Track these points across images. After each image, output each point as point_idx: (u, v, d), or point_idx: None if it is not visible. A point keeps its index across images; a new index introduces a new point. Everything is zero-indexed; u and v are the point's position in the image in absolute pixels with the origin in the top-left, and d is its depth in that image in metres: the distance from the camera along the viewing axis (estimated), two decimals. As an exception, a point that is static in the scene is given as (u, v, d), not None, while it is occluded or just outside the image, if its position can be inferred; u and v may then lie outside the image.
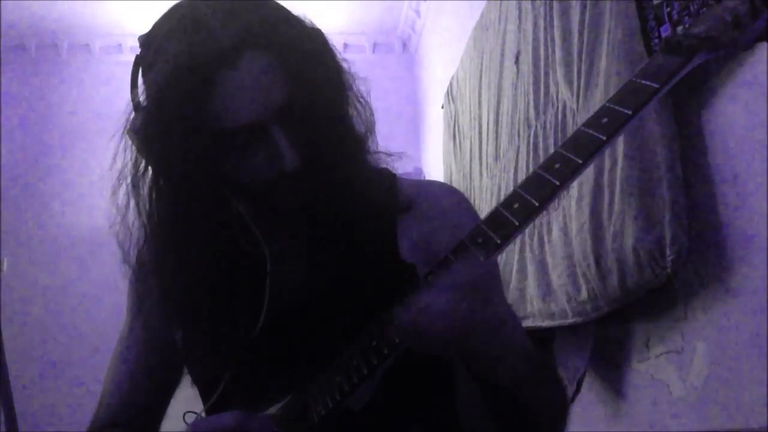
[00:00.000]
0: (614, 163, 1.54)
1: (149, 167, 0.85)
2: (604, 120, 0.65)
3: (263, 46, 0.77)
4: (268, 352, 0.85)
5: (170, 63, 0.77)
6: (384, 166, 0.94)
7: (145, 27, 0.86)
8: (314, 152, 0.81)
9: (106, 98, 4.04)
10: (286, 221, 0.88)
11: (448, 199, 0.95)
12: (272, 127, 0.78)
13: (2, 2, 3.56)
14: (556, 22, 1.95)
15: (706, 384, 1.42)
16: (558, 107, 1.95)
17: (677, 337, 1.51)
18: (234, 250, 0.87)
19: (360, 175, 0.88)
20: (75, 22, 4.03)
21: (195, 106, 0.76)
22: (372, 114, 0.89)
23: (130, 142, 0.84)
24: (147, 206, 0.86)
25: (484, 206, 2.54)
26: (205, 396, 0.93)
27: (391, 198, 0.91)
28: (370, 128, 0.89)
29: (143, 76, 0.84)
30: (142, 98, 0.83)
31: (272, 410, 0.80)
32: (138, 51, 0.87)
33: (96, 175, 3.92)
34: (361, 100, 0.89)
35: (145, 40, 0.84)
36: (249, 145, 0.79)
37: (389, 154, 0.93)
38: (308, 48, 0.82)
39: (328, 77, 0.83)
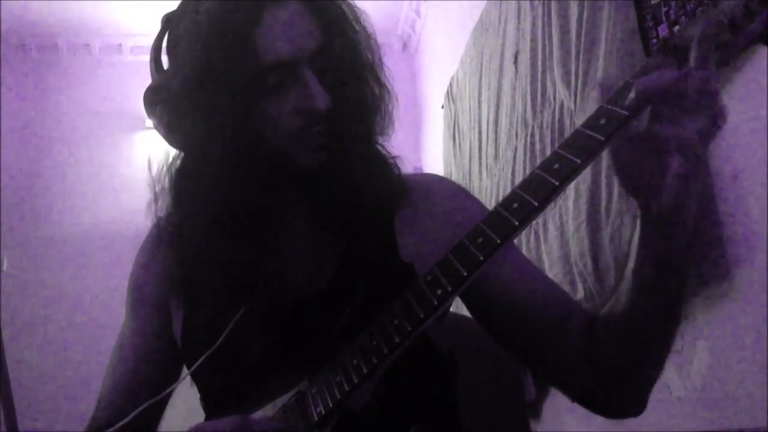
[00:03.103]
0: (613, 163, 1.54)
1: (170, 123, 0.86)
2: (602, 121, 0.65)
3: None
4: (267, 343, 0.85)
5: (218, 4, 0.81)
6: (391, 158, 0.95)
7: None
8: (339, 102, 0.84)
9: (106, 98, 4.04)
10: (298, 191, 0.88)
11: (444, 191, 0.96)
12: (304, 70, 0.82)
13: (2, 2, 3.56)
14: (554, 22, 1.95)
15: (706, 384, 1.42)
16: (555, 107, 1.95)
17: (677, 337, 1.51)
18: (252, 222, 0.86)
19: (374, 148, 0.91)
20: (75, 22, 4.03)
21: (242, 38, 0.79)
22: (388, 94, 0.93)
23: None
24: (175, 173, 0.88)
25: (484, 206, 2.54)
26: (203, 394, 0.93)
27: (393, 186, 0.91)
28: (388, 104, 0.93)
29: (169, 41, 0.88)
30: (166, 61, 0.87)
31: (272, 409, 0.80)
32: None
33: (96, 175, 3.94)
34: (384, 74, 0.92)
35: (177, 9, 0.88)
36: (279, 88, 0.82)
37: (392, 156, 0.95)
38: (343, 10, 0.88)
39: (359, 39, 0.88)
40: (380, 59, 0.91)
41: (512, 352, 0.90)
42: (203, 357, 0.85)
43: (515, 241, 2.14)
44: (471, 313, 0.91)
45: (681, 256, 0.72)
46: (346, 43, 0.86)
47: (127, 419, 0.85)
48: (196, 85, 0.81)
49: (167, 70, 0.88)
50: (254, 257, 0.86)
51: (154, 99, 0.87)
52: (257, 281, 0.86)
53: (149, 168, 0.90)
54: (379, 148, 0.94)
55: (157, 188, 0.90)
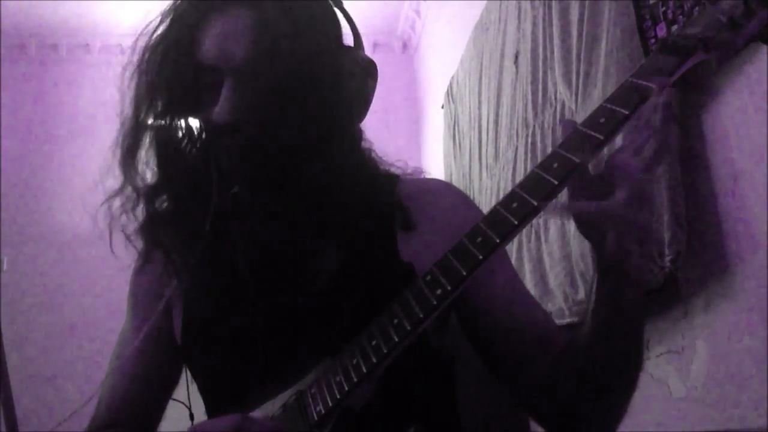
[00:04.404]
0: (613, 162, 1.54)
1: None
2: (602, 120, 0.65)
3: (253, 2, 0.84)
4: (267, 342, 0.85)
5: (172, 6, 0.88)
6: (385, 167, 0.94)
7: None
8: (261, 116, 0.82)
9: (105, 98, 4.03)
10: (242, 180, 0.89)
11: (446, 195, 0.96)
12: (226, 80, 0.83)
13: (2, 2, 3.56)
14: (554, 22, 1.95)
15: (706, 384, 1.42)
16: (556, 107, 1.95)
17: (677, 337, 1.51)
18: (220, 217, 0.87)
19: (338, 160, 0.87)
20: (75, 22, 4.03)
21: (183, 38, 0.85)
22: (335, 105, 0.87)
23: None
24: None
25: (484, 206, 2.54)
26: (204, 392, 0.93)
27: (386, 196, 0.91)
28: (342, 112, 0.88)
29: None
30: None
31: (272, 408, 0.80)
32: (134, 51, 0.93)
33: (96, 175, 3.93)
34: (340, 86, 0.86)
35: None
36: (209, 90, 0.84)
37: (390, 165, 0.94)
38: (298, 17, 0.85)
39: (310, 48, 0.84)
40: (335, 69, 0.86)
41: (489, 368, 0.90)
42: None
43: (516, 241, 2.15)
44: (458, 320, 0.91)
45: (633, 302, 0.71)
46: (291, 54, 0.82)
47: None
48: (150, 78, 0.87)
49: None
50: (248, 256, 0.86)
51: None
52: (255, 280, 0.86)
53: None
54: (355, 158, 0.91)
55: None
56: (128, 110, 0.89)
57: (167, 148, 0.89)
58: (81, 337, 3.60)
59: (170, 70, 0.85)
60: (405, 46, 4.40)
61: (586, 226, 0.69)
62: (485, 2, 2.72)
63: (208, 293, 0.90)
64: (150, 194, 0.90)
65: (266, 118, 0.83)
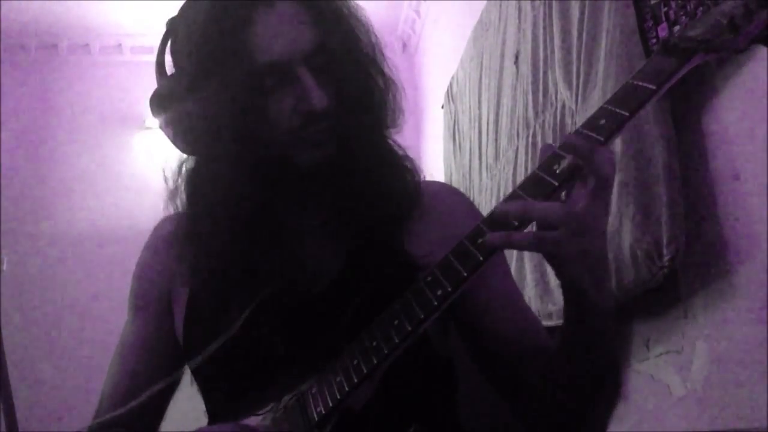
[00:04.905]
0: (612, 162, 1.54)
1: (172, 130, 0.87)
2: (602, 121, 0.65)
3: None
4: (269, 341, 0.85)
5: (211, 5, 0.82)
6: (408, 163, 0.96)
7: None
8: (342, 98, 0.84)
9: (106, 98, 4.04)
10: (308, 191, 0.88)
11: (451, 199, 0.96)
12: (300, 69, 0.81)
13: (2, 2, 3.56)
14: (555, 22, 1.95)
15: (706, 384, 1.42)
16: (557, 107, 1.95)
17: (677, 337, 1.51)
18: (258, 221, 0.87)
19: (384, 143, 0.92)
20: (75, 22, 4.03)
21: (234, 41, 0.80)
22: (395, 85, 0.93)
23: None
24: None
25: (484, 206, 2.54)
26: (205, 393, 0.93)
27: (405, 186, 0.92)
28: (395, 95, 0.93)
29: (172, 46, 0.88)
30: (168, 65, 0.88)
31: (273, 408, 0.80)
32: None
33: (95, 175, 3.94)
34: (387, 66, 0.92)
35: (178, 12, 0.89)
36: (276, 89, 0.82)
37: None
38: (339, 5, 0.87)
39: (357, 33, 0.88)
40: (381, 52, 0.92)
41: (481, 372, 0.90)
42: (212, 346, 0.85)
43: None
44: (455, 324, 0.91)
45: (595, 319, 0.73)
46: (344, 38, 0.86)
47: (134, 403, 0.87)
48: (197, 91, 0.82)
49: (171, 75, 0.88)
50: (260, 255, 0.86)
51: (161, 105, 0.87)
52: (262, 278, 0.86)
53: (163, 170, 0.91)
54: (393, 146, 0.94)
55: (170, 185, 0.91)
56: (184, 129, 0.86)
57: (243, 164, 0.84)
58: (81, 337, 3.60)
59: (232, 84, 0.80)
60: (405, 46, 4.40)
61: (546, 255, 0.70)
62: (485, 2, 2.72)
63: (212, 293, 0.90)
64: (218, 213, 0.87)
65: (348, 98, 0.84)
